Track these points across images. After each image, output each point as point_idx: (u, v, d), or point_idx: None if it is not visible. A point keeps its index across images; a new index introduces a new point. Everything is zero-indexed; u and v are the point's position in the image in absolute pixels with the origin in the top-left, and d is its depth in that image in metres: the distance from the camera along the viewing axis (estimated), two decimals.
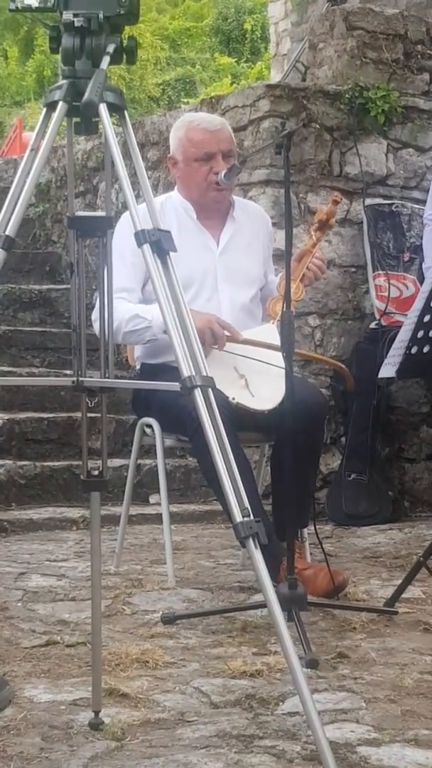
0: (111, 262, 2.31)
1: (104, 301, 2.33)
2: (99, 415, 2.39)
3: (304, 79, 6.50)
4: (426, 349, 3.49)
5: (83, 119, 2.20)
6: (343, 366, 4.27)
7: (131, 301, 3.85)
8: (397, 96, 5.82)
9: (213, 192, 3.98)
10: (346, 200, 5.62)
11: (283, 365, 3.32)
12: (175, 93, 25.70)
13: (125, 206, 2.23)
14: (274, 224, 4.40)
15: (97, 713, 2.41)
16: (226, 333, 3.72)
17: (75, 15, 2.18)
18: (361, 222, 5.70)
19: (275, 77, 10.90)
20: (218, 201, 4.02)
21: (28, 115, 22.67)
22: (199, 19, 30.31)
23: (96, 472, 2.36)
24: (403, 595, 3.46)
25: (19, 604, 3.53)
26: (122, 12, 2.20)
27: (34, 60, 28.28)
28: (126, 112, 2.23)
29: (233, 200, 4.12)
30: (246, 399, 3.63)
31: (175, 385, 2.15)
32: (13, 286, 7.25)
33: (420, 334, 3.47)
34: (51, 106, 2.19)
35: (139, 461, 4.34)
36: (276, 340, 3.66)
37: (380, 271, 5.61)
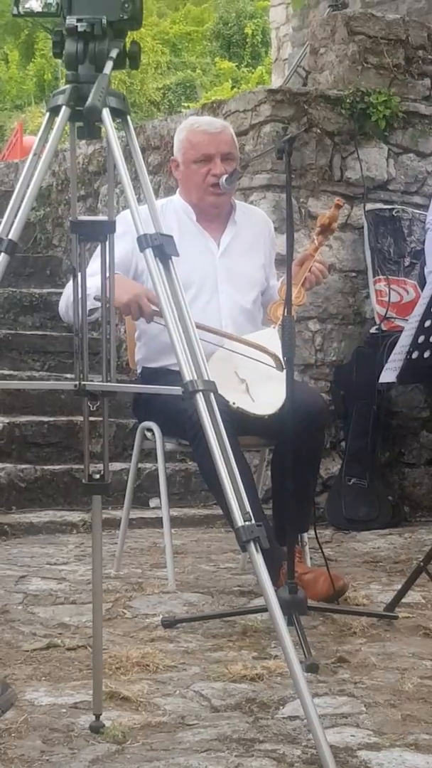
0: (113, 265, 2.32)
1: (105, 305, 2.33)
2: (100, 418, 2.39)
3: (305, 84, 6.51)
4: (427, 354, 3.49)
5: (86, 124, 2.20)
6: (269, 350, 3.98)
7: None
8: (398, 101, 5.82)
9: (211, 196, 3.97)
10: (347, 205, 5.62)
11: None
12: (175, 97, 25.71)
13: (125, 209, 2.23)
14: (274, 229, 4.40)
15: (97, 716, 2.42)
16: (154, 308, 3.57)
17: (78, 20, 2.18)
18: (362, 227, 5.71)
19: (276, 82, 10.90)
20: (217, 206, 4.02)
21: (28, 119, 22.67)
22: (199, 24, 30.34)
23: (98, 476, 2.36)
24: (403, 600, 3.47)
25: (20, 607, 3.54)
26: (125, 17, 2.20)
27: (35, 64, 28.29)
28: (129, 117, 2.24)
29: (235, 204, 4.13)
30: (246, 404, 3.63)
31: (177, 389, 2.15)
32: (13, 289, 7.24)
33: (421, 339, 3.47)
34: (54, 111, 2.19)
35: (139, 465, 4.34)
36: (277, 344, 3.66)
37: (381, 276, 5.62)
